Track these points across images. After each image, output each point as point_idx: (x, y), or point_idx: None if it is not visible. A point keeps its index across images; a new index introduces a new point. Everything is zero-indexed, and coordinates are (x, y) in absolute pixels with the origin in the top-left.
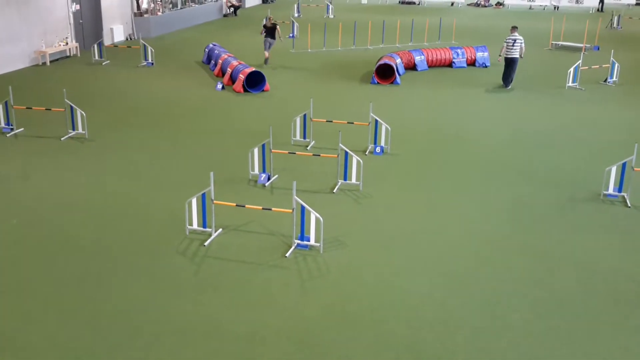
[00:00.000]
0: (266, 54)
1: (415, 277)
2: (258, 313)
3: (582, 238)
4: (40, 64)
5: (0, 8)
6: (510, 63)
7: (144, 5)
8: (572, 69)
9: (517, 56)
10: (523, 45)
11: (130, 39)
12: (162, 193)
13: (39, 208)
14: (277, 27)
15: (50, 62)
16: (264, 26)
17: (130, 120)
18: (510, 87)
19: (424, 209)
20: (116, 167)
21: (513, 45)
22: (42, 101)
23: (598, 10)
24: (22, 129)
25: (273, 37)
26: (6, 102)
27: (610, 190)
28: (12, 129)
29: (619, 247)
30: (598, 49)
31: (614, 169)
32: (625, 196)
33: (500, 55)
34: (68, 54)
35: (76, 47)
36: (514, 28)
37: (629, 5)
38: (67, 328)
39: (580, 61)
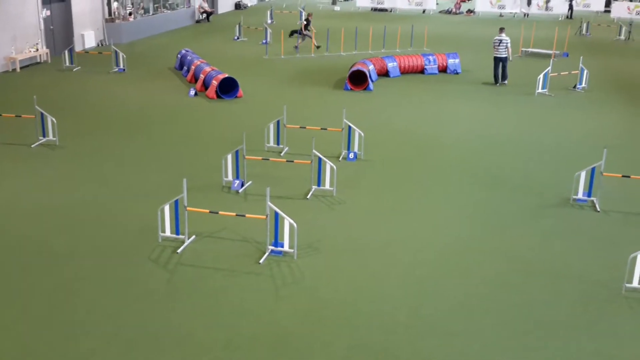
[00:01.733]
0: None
1: (389, 282)
2: (232, 320)
3: (553, 243)
4: (10, 70)
5: None
6: (498, 62)
7: (115, 4)
8: (541, 76)
9: (505, 55)
10: (509, 45)
11: (102, 44)
12: (134, 200)
13: (9, 215)
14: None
15: (21, 68)
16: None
17: (102, 127)
18: (507, 82)
19: (397, 215)
20: (87, 174)
21: (499, 45)
22: (12, 108)
23: (567, 17)
24: None
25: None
26: None
27: (580, 195)
28: None
29: (589, 251)
30: (567, 55)
31: (583, 174)
32: (595, 201)
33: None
34: (38, 60)
35: (47, 53)
36: (502, 29)
37: (597, 12)
38: (40, 336)
39: (549, 68)
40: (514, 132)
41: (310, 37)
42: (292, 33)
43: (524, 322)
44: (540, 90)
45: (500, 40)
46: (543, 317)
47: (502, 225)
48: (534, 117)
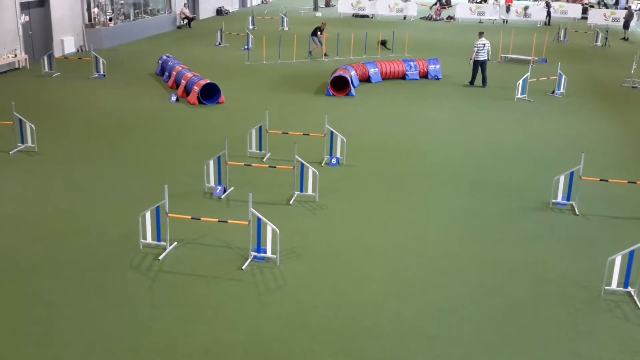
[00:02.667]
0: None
1: (371, 287)
2: (214, 327)
3: (533, 246)
4: None
5: None
6: (482, 64)
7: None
8: (520, 81)
9: (485, 58)
10: (490, 48)
11: (82, 50)
12: (115, 207)
13: None
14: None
15: None
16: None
17: (82, 133)
18: (486, 87)
19: (379, 220)
20: (67, 180)
21: (483, 49)
22: None
23: (545, 23)
24: None
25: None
26: None
27: (559, 199)
28: None
29: (569, 254)
30: (546, 61)
31: (562, 178)
32: (574, 204)
33: (471, 59)
34: (17, 66)
35: (25, 59)
36: (482, 34)
37: (574, 19)
38: (17, 347)
39: (528, 73)
40: (493, 136)
41: (321, 44)
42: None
43: (504, 324)
44: (519, 95)
45: (484, 44)
46: (523, 319)
47: (482, 229)
48: (513, 122)
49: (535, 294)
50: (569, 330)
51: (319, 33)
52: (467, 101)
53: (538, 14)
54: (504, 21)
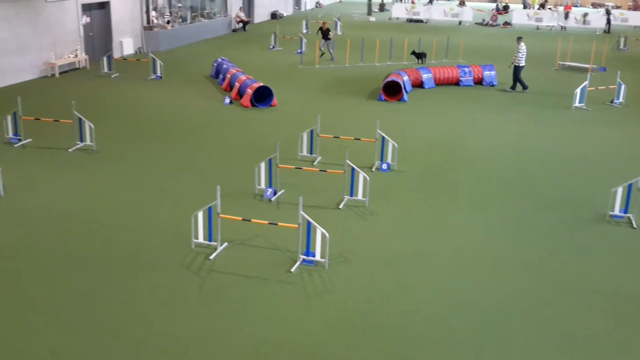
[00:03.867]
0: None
1: (420, 295)
2: (261, 328)
3: (587, 258)
4: (50, 75)
5: (10, 19)
6: (521, 70)
7: (153, 13)
8: (578, 90)
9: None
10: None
11: (140, 52)
12: (168, 206)
13: (44, 219)
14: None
15: (60, 73)
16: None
17: (138, 133)
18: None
19: (429, 227)
20: (123, 179)
21: (524, 54)
22: (50, 112)
23: (605, 31)
24: (30, 139)
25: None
26: (15, 113)
27: (616, 211)
28: (20, 140)
29: (623, 268)
30: (605, 70)
31: (619, 190)
32: (631, 217)
33: (513, 64)
34: (77, 66)
35: (85, 60)
36: (521, 38)
37: (635, 27)
38: (70, 341)
39: (587, 82)
40: (549, 145)
41: (330, 49)
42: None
43: (555, 336)
44: (577, 104)
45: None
46: (576, 332)
47: (534, 239)
48: (570, 130)
49: (587, 307)
50: (621, 345)
51: (330, 34)
52: (523, 108)
53: (598, 21)
54: (562, 28)
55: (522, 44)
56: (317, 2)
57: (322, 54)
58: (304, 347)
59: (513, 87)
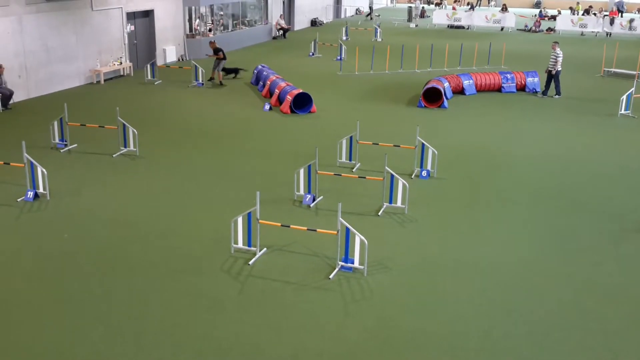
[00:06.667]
0: (216, 73)
1: (459, 304)
2: (300, 335)
3: (633, 270)
4: (95, 82)
5: (57, 28)
6: (558, 74)
7: (196, 21)
8: (624, 97)
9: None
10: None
11: (182, 59)
12: (209, 211)
13: (90, 223)
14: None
15: (105, 80)
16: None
17: (180, 139)
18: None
19: (469, 235)
20: (164, 184)
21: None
22: (95, 118)
23: None
24: (75, 145)
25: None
26: (61, 119)
27: None
28: (66, 145)
29: None
30: None
31: None
32: None
33: (550, 69)
34: (122, 74)
35: (130, 67)
36: (557, 43)
37: None
38: (113, 343)
39: (633, 89)
40: (594, 153)
41: (219, 70)
42: (226, 72)
43: (599, 350)
44: (623, 111)
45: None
46: (622, 346)
47: (579, 249)
48: (615, 138)
49: (633, 321)
50: None
51: (220, 54)
52: (566, 115)
53: None
54: (607, 34)
55: (558, 48)
56: (357, 9)
57: (211, 79)
58: (341, 356)
59: (545, 92)
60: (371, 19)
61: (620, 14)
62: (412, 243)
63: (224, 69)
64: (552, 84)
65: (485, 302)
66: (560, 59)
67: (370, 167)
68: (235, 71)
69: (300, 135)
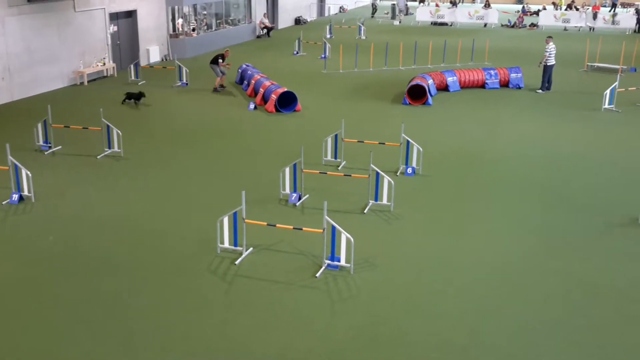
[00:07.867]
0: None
1: (446, 300)
2: (287, 334)
3: (619, 264)
4: (79, 83)
5: (40, 29)
6: (551, 68)
7: (179, 21)
8: (608, 91)
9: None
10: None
11: (166, 59)
12: (194, 211)
13: (75, 225)
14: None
15: (88, 81)
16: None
17: (165, 140)
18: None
19: (455, 231)
20: (150, 185)
21: (553, 52)
22: (79, 120)
23: (635, 31)
24: (60, 146)
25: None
26: (45, 121)
27: None
28: (50, 147)
29: None
30: (635, 70)
31: None
32: None
33: (541, 63)
34: (105, 74)
35: (113, 68)
36: (551, 38)
37: None
38: (100, 345)
39: (616, 83)
40: (579, 148)
41: (223, 74)
42: (127, 97)
43: (587, 346)
44: (606, 105)
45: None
46: (608, 341)
47: (565, 244)
48: (600, 133)
49: (621, 316)
50: None
51: (220, 61)
52: (550, 110)
53: (627, 21)
54: (590, 28)
55: (551, 43)
56: (340, 7)
57: (222, 86)
58: (330, 353)
59: (542, 87)
60: (373, 17)
61: (613, 7)
62: (398, 240)
63: (127, 93)
64: (545, 78)
65: (473, 299)
66: (547, 53)
67: (356, 164)
68: (137, 97)
69: (285, 134)
